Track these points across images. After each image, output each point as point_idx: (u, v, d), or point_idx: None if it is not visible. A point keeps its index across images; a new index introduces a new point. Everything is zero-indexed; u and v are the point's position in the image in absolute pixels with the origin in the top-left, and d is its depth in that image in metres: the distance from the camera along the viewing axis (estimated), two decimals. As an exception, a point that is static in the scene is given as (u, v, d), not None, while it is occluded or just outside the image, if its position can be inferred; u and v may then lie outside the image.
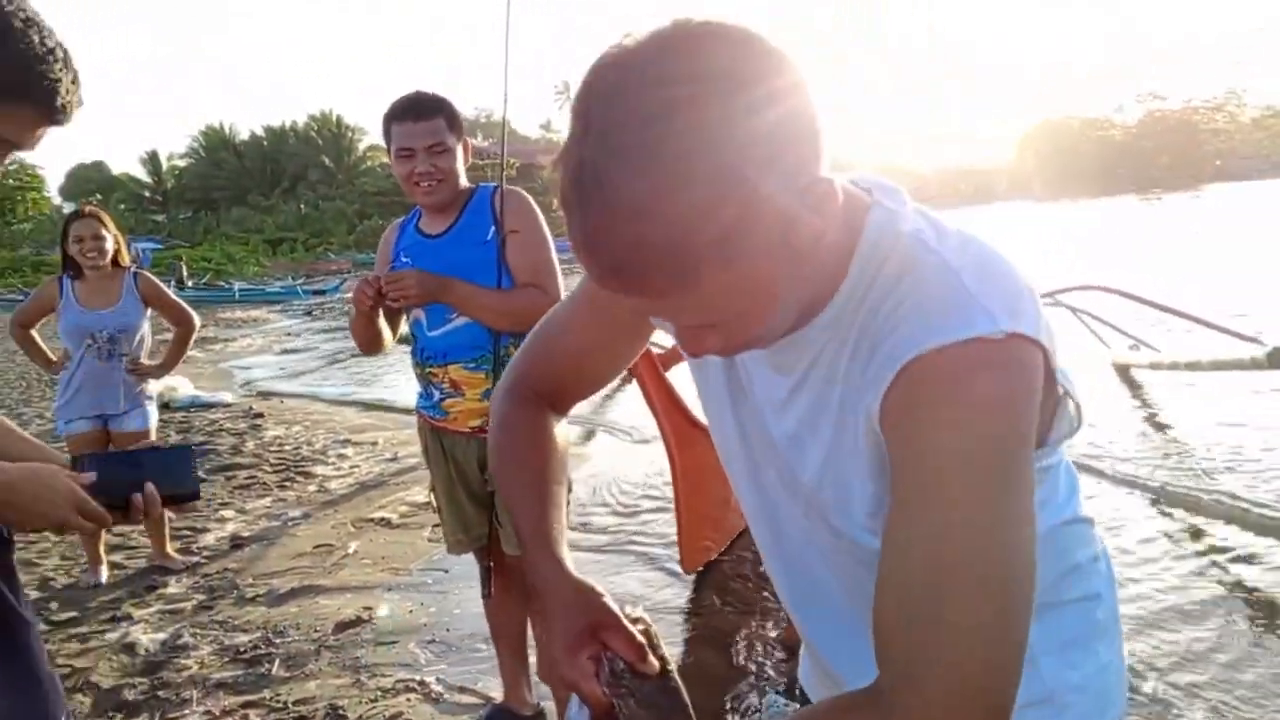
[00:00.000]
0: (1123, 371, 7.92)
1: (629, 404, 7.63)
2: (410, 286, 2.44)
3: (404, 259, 2.57)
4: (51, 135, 1.29)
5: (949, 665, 0.74)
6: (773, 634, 3.43)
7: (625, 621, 0.91)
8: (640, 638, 0.91)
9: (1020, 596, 0.76)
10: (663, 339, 3.48)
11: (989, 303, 0.79)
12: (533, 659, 2.89)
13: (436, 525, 4.71)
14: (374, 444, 7.09)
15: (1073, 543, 1.03)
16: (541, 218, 2.57)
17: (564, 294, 2.54)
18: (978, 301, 0.79)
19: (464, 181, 2.56)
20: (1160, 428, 6.15)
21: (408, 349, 2.72)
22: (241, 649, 3.55)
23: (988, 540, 0.76)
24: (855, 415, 0.86)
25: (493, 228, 2.50)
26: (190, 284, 26.87)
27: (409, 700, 3.08)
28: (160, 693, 3.22)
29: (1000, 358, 0.78)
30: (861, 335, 0.85)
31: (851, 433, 0.87)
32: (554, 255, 2.57)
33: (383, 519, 5.15)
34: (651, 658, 0.91)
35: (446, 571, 4.27)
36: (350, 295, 2.80)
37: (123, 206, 58.76)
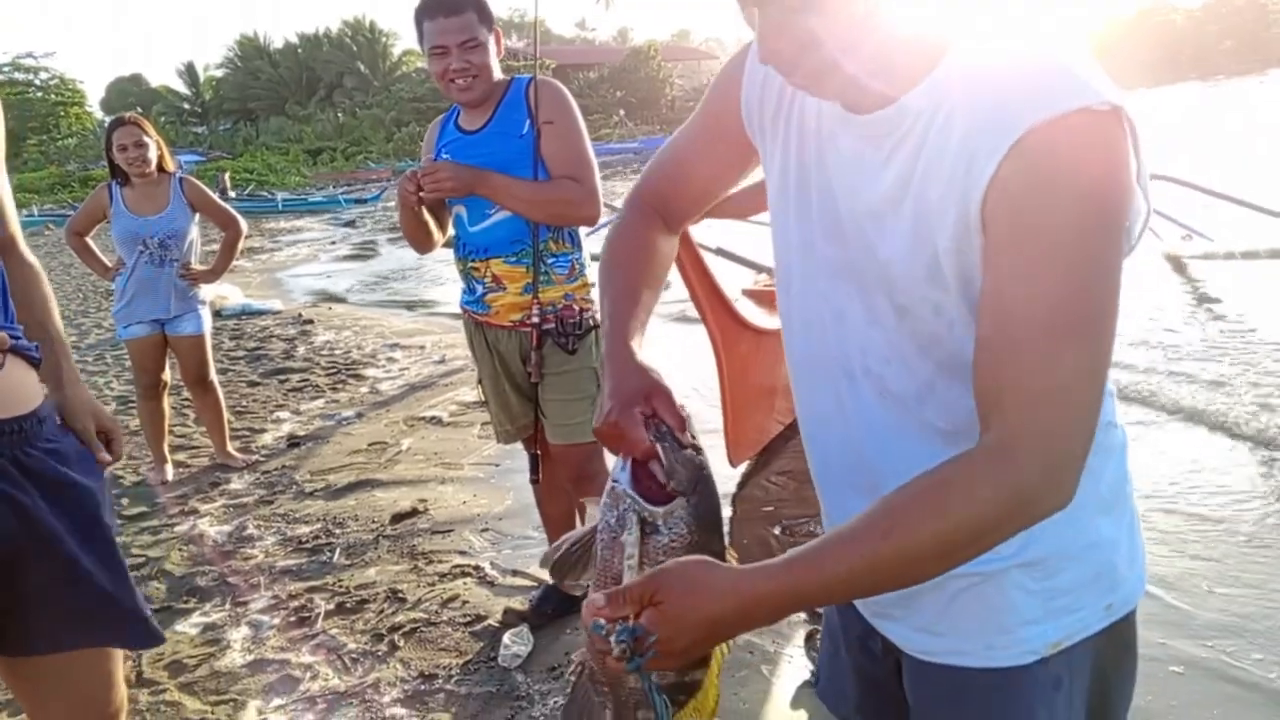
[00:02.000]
0: (1176, 263, 7.74)
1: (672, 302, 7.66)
2: (445, 178, 2.44)
3: (445, 155, 2.57)
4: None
5: (1053, 419, 0.84)
6: (814, 526, 3.49)
7: (674, 397, 1.03)
8: (684, 414, 1.03)
9: (1108, 359, 0.86)
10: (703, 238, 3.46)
11: (1090, 77, 0.82)
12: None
13: (485, 423, 4.82)
14: (421, 348, 7.21)
15: None
16: (576, 109, 2.55)
17: (600, 186, 2.55)
18: (1079, 76, 0.82)
19: (498, 74, 2.54)
20: (1214, 320, 6.03)
21: (451, 251, 2.74)
22: (303, 539, 3.70)
23: (1092, 309, 0.83)
24: (948, 192, 0.87)
25: (528, 121, 2.48)
26: (233, 195, 27.02)
27: (465, 584, 3.21)
28: (230, 579, 3.39)
29: (1107, 129, 0.81)
30: (958, 112, 0.87)
31: (939, 208, 0.88)
32: (589, 146, 2.56)
33: (434, 417, 5.27)
34: (689, 434, 1.02)
35: (497, 466, 4.38)
36: (394, 203, 2.82)
37: (163, 119, 58.82)
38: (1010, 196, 0.83)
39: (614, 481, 1.01)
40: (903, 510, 0.86)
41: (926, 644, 1.10)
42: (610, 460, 1.07)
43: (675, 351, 5.94)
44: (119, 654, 1.64)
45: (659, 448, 0.99)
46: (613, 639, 0.90)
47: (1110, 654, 1.07)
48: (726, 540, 1.04)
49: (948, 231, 0.88)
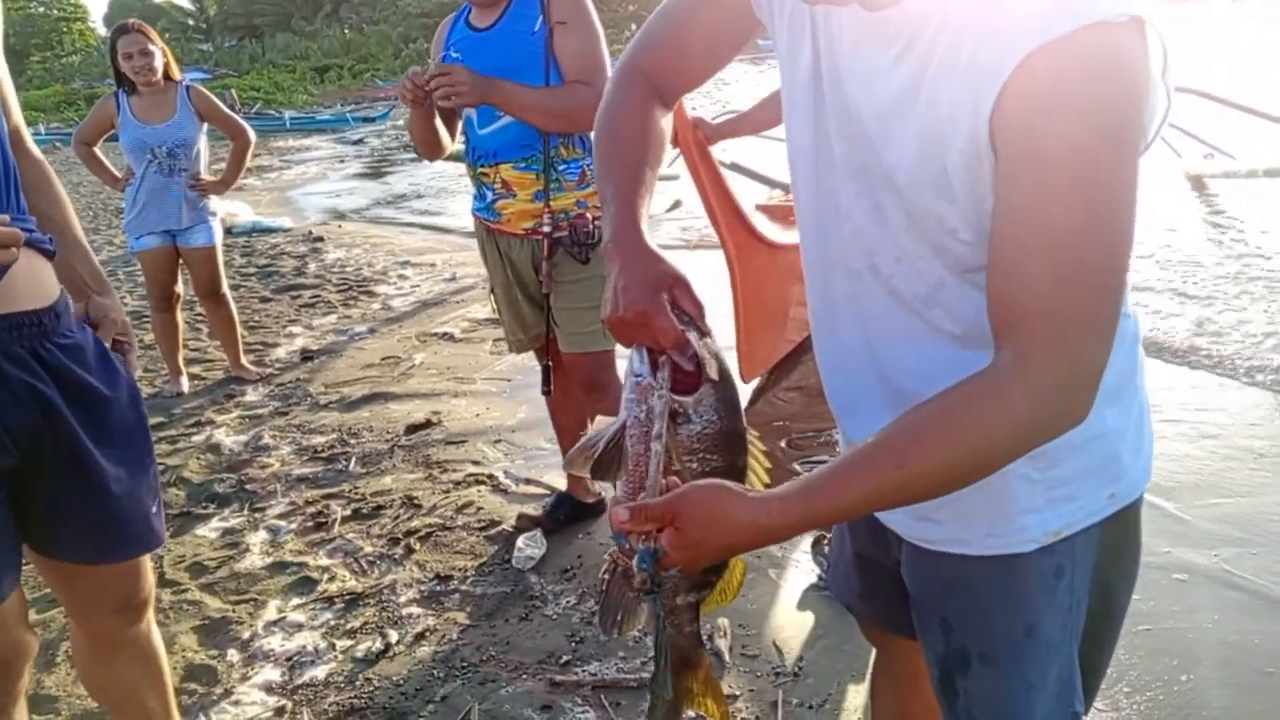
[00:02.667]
0: (1197, 182, 7.61)
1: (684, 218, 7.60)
2: (462, 82, 2.34)
3: (454, 54, 2.51)
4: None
5: (1066, 338, 0.83)
6: (824, 436, 3.52)
7: (691, 284, 1.01)
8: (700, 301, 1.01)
9: (1122, 276, 0.85)
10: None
11: None
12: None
13: (498, 339, 4.84)
14: (432, 265, 7.20)
15: None
16: (592, 9, 2.49)
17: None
18: None
19: None
20: (1235, 241, 5.95)
21: (460, 167, 2.67)
22: (319, 449, 3.76)
23: (1104, 227, 0.82)
24: (958, 108, 0.85)
25: (540, 18, 2.43)
26: (241, 112, 26.70)
27: (479, 491, 3.26)
28: (247, 486, 3.45)
29: (1121, 41, 0.78)
30: (967, 26, 0.84)
31: (949, 124, 0.86)
32: (604, 48, 2.50)
33: (446, 333, 5.29)
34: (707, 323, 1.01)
35: (509, 381, 4.41)
36: (402, 121, 2.75)
37: (167, 36, 57.82)
38: (1018, 117, 0.81)
39: (635, 375, 1.00)
40: (916, 437, 0.87)
41: (927, 531, 1.10)
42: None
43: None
44: (141, 563, 1.65)
45: (689, 336, 0.98)
46: (635, 562, 0.95)
47: (1113, 543, 1.08)
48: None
49: (959, 147, 0.86)
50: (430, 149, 2.62)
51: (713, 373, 0.99)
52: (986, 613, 1.08)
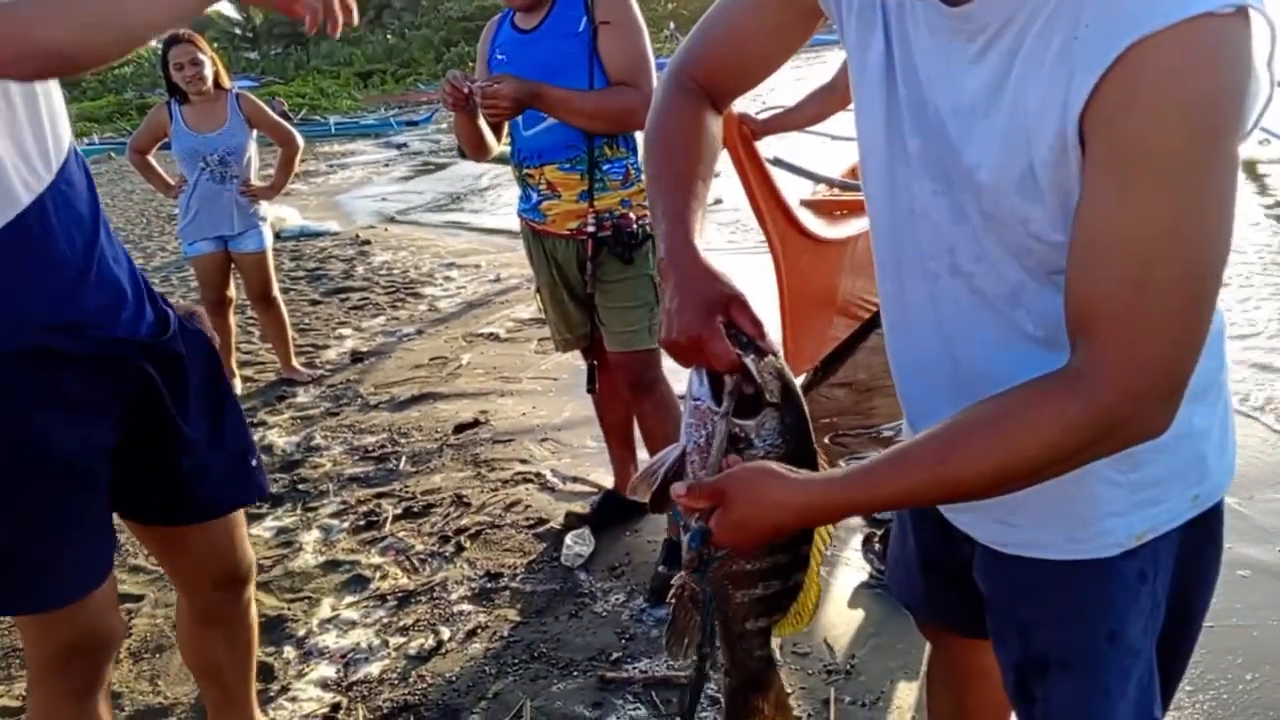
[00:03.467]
0: (1250, 169, 7.43)
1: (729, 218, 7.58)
2: (504, 98, 2.35)
3: (499, 56, 2.53)
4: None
5: (1141, 345, 0.80)
6: (872, 432, 3.49)
7: (750, 303, 0.98)
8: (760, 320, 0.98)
9: (1214, 284, 0.81)
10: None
11: None
12: (641, 454, 3.02)
13: (543, 338, 4.87)
14: (477, 267, 7.25)
15: None
16: (636, 9, 2.49)
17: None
18: None
19: None
20: (1293, 226, 5.80)
21: (502, 170, 2.69)
22: (369, 449, 3.81)
23: (1195, 234, 0.78)
24: (1047, 103, 0.81)
25: (585, 19, 2.43)
26: (291, 119, 27.14)
27: (527, 490, 3.29)
28: (300, 486, 3.51)
29: (1229, 36, 0.74)
30: (1058, 12, 0.80)
31: (1037, 120, 0.82)
32: (648, 48, 2.50)
33: (492, 334, 5.33)
34: (769, 341, 0.98)
35: (555, 380, 4.43)
36: (446, 125, 2.76)
37: (215, 45, 58.94)
38: (1111, 113, 0.77)
39: (695, 399, 0.99)
40: (966, 437, 0.85)
41: (1003, 535, 1.07)
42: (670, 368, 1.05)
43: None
44: (238, 523, 1.72)
45: (746, 361, 0.95)
46: (684, 538, 0.96)
47: (1195, 544, 1.04)
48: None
49: (1046, 143, 0.82)
50: (476, 150, 2.64)
51: (774, 395, 0.96)
52: (1067, 619, 1.05)
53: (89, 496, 1.44)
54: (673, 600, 1.04)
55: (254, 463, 1.69)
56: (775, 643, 1.09)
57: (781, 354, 1.00)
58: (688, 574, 0.99)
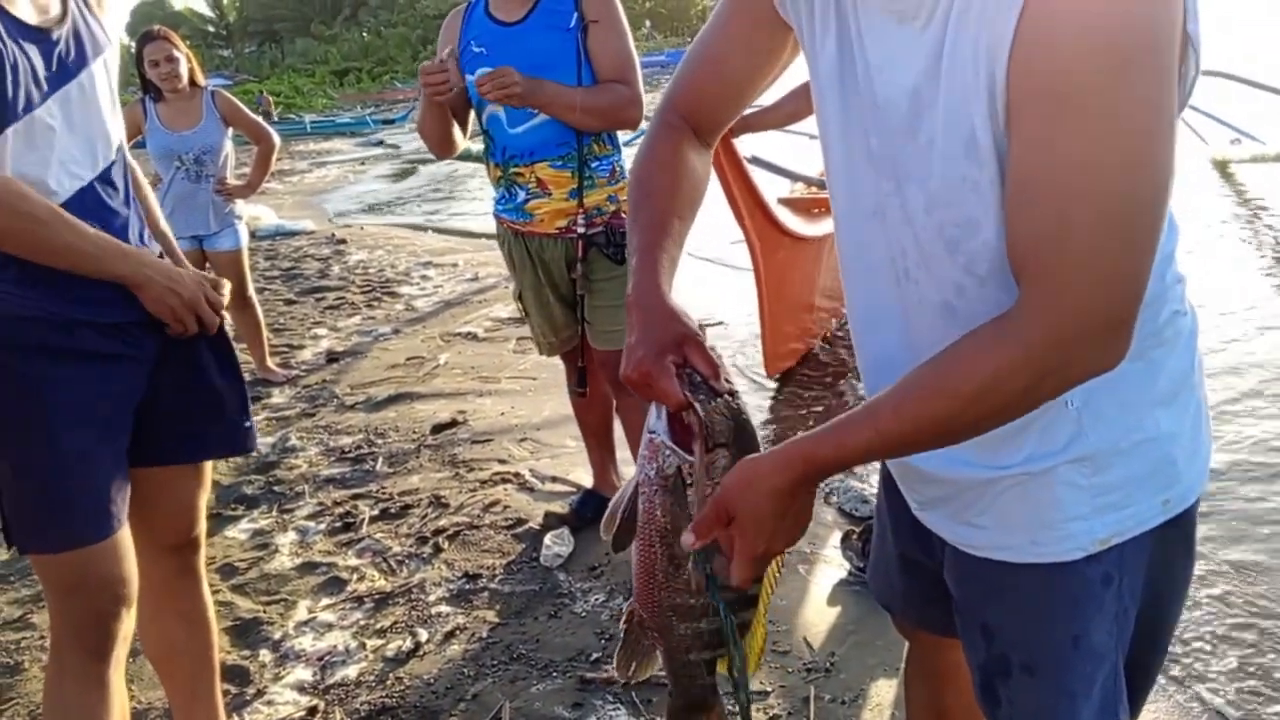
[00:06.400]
0: (1222, 169, 7.52)
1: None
2: (516, 84, 2.30)
3: (476, 49, 2.49)
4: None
5: (1068, 285, 0.80)
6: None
7: (706, 344, 1.00)
8: (716, 359, 1.00)
9: (1149, 222, 0.79)
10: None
11: None
12: (621, 452, 3.02)
13: (521, 338, 4.86)
14: (454, 265, 7.22)
15: (1154, 290, 0.93)
16: (620, 8, 2.50)
17: (644, 89, 2.49)
18: None
19: None
20: (1266, 227, 5.87)
21: (475, 167, 2.65)
22: (346, 449, 3.78)
23: (1115, 165, 0.77)
24: (977, 58, 0.82)
25: (576, 14, 2.42)
26: (275, 117, 26.88)
27: (505, 490, 3.27)
28: (275, 487, 3.47)
29: None
30: None
31: (972, 77, 0.83)
32: (633, 47, 2.51)
33: (469, 333, 5.31)
34: (724, 379, 0.99)
35: (534, 379, 4.42)
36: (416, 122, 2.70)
37: (189, 42, 58.44)
38: (1025, 53, 0.78)
39: (650, 433, 1.00)
40: (915, 383, 0.87)
41: (969, 536, 1.07)
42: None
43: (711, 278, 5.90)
44: (207, 480, 1.80)
45: (694, 403, 0.96)
46: (690, 566, 0.99)
47: (1166, 550, 1.03)
48: None
49: (982, 98, 0.83)
50: (442, 144, 2.60)
51: (720, 439, 0.97)
52: (1030, 622, 1.05)
53: (109, 443, 1.56)
54: (624, 626, 1.07)
55: (248, 424, 1.79)
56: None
57: (736, 390, 1.01)
58: (703, 596, 1.01)
